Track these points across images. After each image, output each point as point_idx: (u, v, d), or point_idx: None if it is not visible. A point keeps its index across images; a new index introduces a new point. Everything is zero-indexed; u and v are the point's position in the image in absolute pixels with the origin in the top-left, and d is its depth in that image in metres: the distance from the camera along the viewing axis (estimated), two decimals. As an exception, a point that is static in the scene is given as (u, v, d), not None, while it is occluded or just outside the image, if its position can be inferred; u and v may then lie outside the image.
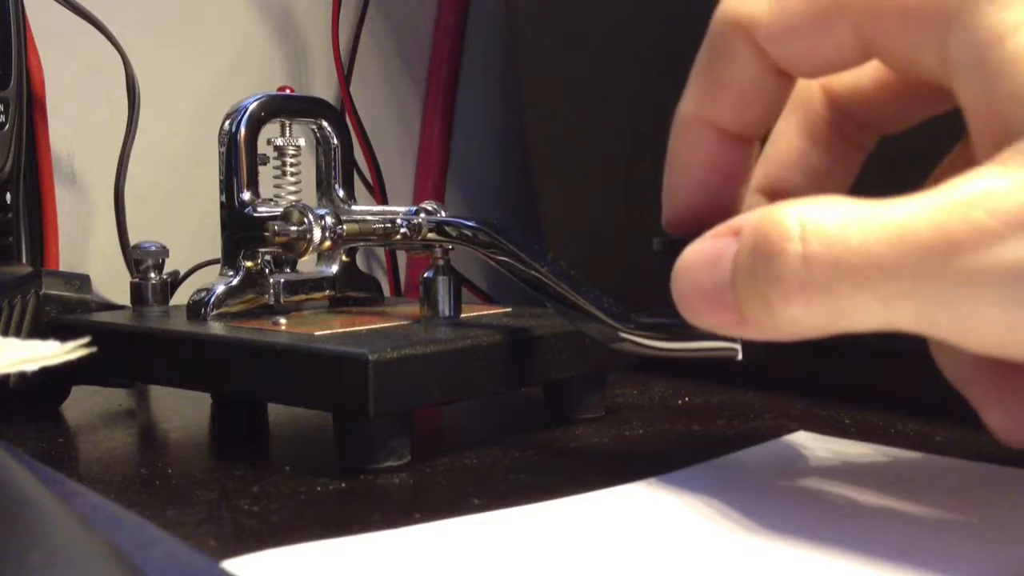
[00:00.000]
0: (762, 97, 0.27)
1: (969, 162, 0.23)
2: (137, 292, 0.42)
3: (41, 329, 0.39)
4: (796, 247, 0.22)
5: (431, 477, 0.30)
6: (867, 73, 0.28)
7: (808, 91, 0.28)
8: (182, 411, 0.41)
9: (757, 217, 0.23)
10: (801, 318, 0.23)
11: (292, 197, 0.41)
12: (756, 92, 0.26)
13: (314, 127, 0.42)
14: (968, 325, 0.21)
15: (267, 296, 0.39)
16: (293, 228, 0.36)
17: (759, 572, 0.22)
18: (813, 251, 0.22)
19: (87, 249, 0.55)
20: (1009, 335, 0.21)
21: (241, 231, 0.39)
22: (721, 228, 0.25)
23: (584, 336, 0.33)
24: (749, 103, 0.27)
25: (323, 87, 0.64)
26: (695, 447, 0.34)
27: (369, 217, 0.38)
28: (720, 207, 0.28)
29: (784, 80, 0.26)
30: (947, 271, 0.21)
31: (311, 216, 0.36)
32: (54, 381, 0.35)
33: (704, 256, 0.25)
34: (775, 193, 0.29)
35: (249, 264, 0.39)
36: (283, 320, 0.36)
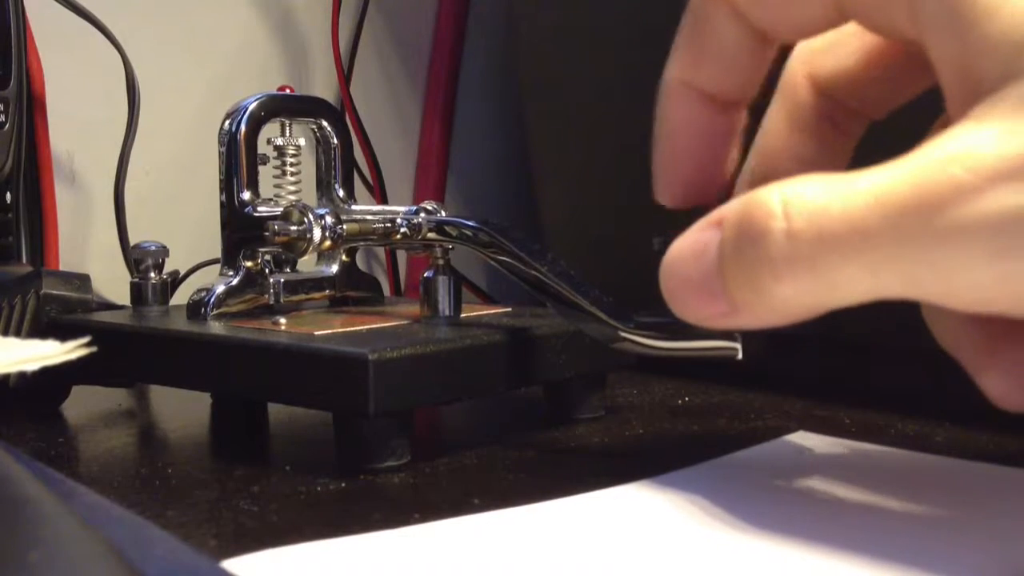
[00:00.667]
0: (743, 61, 0.27)
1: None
2: (137, 292, 0.42)
3: (41, 329, 0.39)
4: (780, 224, 0.22)
5: (431, 477, 0.30)
6: (848, 56, 0.28)
7: (793, 81, 0.28)
8: (182, 411, 0.41)
9: (740, 203, 0.24)
10: (791, 296, 0.23)
11: (292, 197, 0.41)
12: (737, 56, 0.27)
13: (314, 127, 0.42)
14: (954, 283, 0.21)
15: (267, 296, 0.39)
16: (293, 228, 0.36)
17: (759, 572, 0.22)
18: (797, 226, 0.22)
19: (87, 249, 0.55)
20: (995, 289, 0.21)
21: (241, 231, 0.39)
22: (704, 221, 0.25)
23: (584, 336, 0.33)
24: (731, 67, 0.27)
25: (323, 87, 0.64)
26: (695, 447, 0.34)
27: (369, 217, 0.38)
28: (708, 173, 0.28)
29: (764, 43, 0.27)
30: (929, 230, 0.21)
31: (311, 216, 0.36)
32: (54, 381, 0.35)
33: (689, 249, 0.25)
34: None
35: (249, 264, 0.39)
36: (283, 320, 0.36)
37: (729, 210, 0.24)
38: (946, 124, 0.25)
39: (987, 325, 0.26)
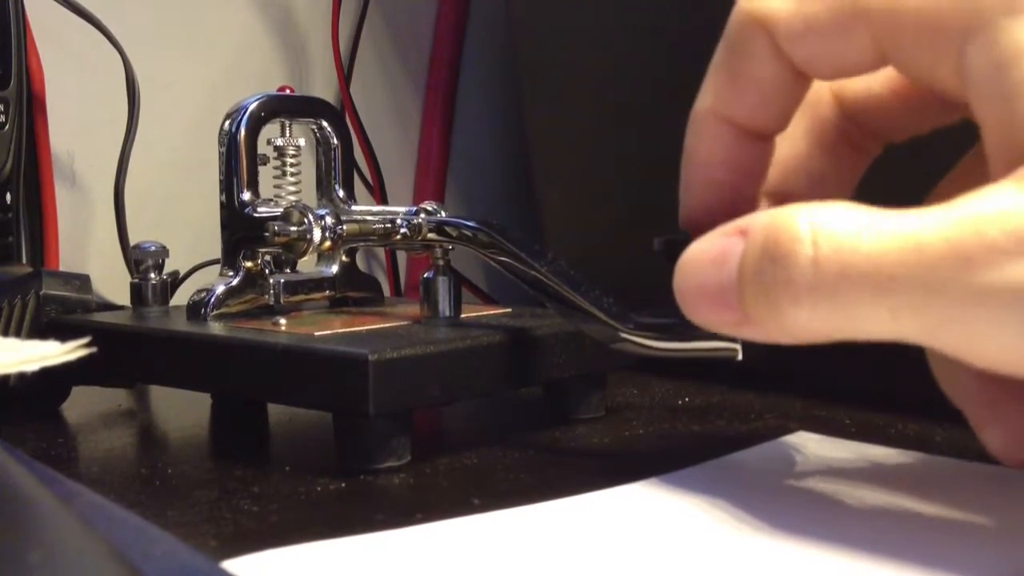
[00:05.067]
0: (779, 96, 0.27)
1: (979, 174, 0.23)
2: (137, 292, 0.42)
3: (41, 329, 0.39)
4: (806, 250, 0.22)
5: (431, 477, 0.30)
6: (878, 81, 0.28)
7: (817, 96, 0.28)
8: (182, 411, 0.41)
9: (766, 218, 0.23)
10: (806, 322, 0.23)
11: (292, 197, 0.41)
12: (773, 90, 0.26)
13: (314, 127, 0.42)
14: (975, 341, 0.21)
15: (267, 296, 0.39)
16: (293, 228, 0.36)
17: (759, 572, 0.22)
18: (823, 255, 0.22)
19: (87, 249, 0.55)
20: (1015, 353, 0.21)
21: (241, 231, 0.39)
22: (727, 227, 0.25)
23: (584, 336, 0.33)
24: (766, 101, 0.27)
25: (323, 87, 0.64)
26: (695, 447, 0.34)
27: (369, 217, 0.38)
28: (736, 204, 0.27)
29: (801, 79, 0.26)
30: (958, 286, 0.21)
31: (311, 216, 0.36)
32: (54, 381, 0.35)
33: (710, 254, 0.25)
34: (777, 196, 0.29)
35: (249, 264, 0.39)
36: (283, 320, 0.36)
37: (754, 223, 0.24)
38: (974, 165, 0.25)
39: (991, 380, 0.26)
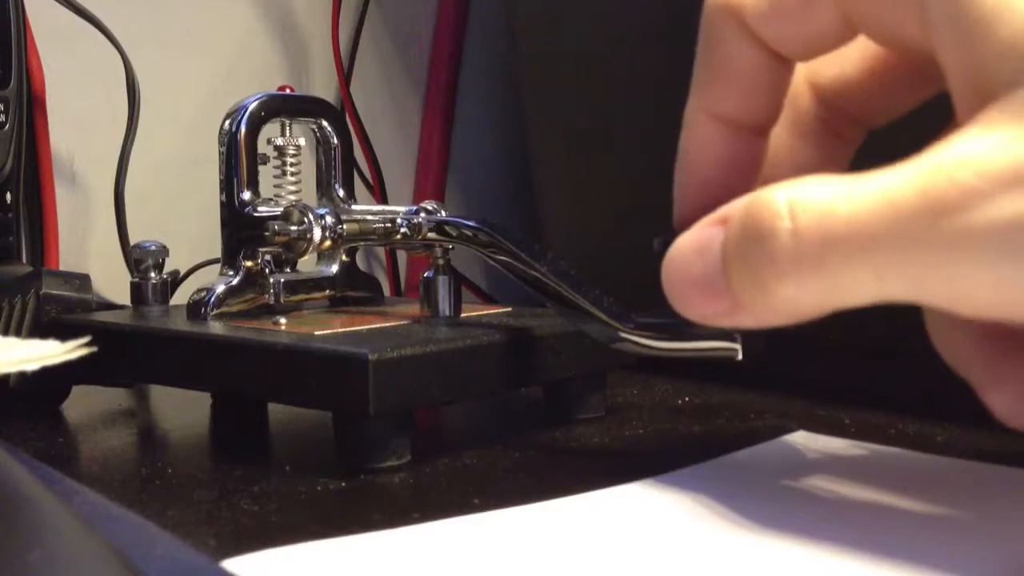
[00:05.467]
0: (761, 82, 0.27)
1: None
2: (137, 292, 0.42)
3: (41, 329, 0.39)
4: (785, 224, 0.22)
5: (431, 477, 0.30)
6: (851, 62, 0.28)
7: (795, 88, 0.28)
8: (182, 411, 0.41)
9: (745, 202, 0.24)
10: (795, 296, 0.23)
11: (292, 197, 0.41)
12: (754, 77, 0.26)
13: (314, 127, 0.42)
14: (960, 287, 0.21)
15: (267, 296, 0.39)
16: (293, 228, 0.36)
17: (759, 572, 0.22)
18: (803, 226, 0.22)
19: (87, 249, 0.55)
20: (1000, 294, 0.21)
21: (241, 231, 0.39)
22: (708, 218, 0.25)
23: (584, 336, 0.33)
24: (750, 90, 0.27)
25: (323, 87, 0.64)
26: (695, 447, 0.34)
27: (369, 217, 0.38)
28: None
29: (781, 64, 0.26)
30: (936, 234, 0.21)
31: (311, 216, 0.36)
32: (54, 381, 0.35)
33: (693, 246, 0.25)
34: None
35: (249, 264, 0.39)
36: (283, 320, 0.36)
37: (734, 208, 0.24)
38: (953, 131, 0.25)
39: (992, 342, 0.26)
